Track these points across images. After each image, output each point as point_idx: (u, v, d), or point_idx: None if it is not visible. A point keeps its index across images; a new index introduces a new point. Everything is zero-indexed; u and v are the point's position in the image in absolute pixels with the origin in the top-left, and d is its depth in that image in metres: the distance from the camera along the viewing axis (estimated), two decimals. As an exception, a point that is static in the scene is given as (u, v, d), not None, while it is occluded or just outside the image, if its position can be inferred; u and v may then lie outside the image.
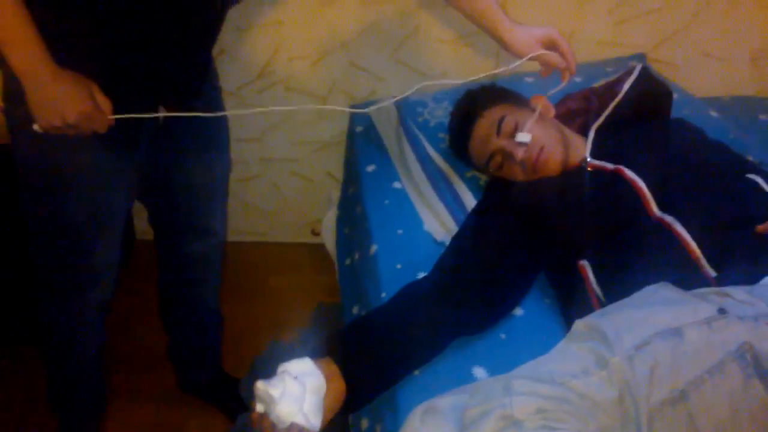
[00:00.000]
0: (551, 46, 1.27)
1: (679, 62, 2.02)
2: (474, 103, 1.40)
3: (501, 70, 1.31)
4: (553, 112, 1.39)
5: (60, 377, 1.56)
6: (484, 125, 1.35)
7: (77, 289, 1.39)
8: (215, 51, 1.36)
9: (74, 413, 1.62)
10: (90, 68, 1.09)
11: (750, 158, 1.40)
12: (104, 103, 1.10)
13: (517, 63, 1.26)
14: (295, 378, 0.94)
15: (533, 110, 1.32)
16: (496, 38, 1.29)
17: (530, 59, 1.26)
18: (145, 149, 1.29)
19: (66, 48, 1.05)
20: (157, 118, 1.23)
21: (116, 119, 1.12)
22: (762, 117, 1.83)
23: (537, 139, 1.27)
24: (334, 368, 0.99)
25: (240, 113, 1.30)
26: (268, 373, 0.96)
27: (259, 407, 0.95)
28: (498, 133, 1.31)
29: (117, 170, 1.27)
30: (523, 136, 1.26)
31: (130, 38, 1.11)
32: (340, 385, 0.99)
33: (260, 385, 0.93)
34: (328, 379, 0.97)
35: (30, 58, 1.02)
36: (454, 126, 1.46)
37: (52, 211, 1.26)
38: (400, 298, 1.14)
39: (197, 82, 1.31)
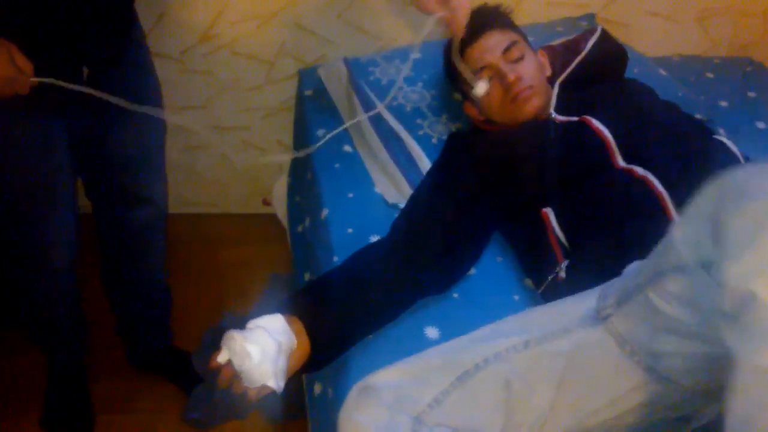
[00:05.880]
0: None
1: (628, 22, 2.02)
2: (499, 15, 1.38)
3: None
4: (549, 70, 1.38)
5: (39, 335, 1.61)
6: (496, 38, 1.32)
7: (36, 259, 1.40)
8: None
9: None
10: (7, 30, 1.05)
11: (697, 116, 1.42)
12: (24, 64, 1.07)
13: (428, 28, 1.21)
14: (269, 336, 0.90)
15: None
16: None
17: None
18: (74, 117, 1.25)
19: None
20: (82, 78, 1.19)
21: (38, 81, 1.09)
22: (709, 75, 1.85)
23: (531, 76, 1.28)
24: (300, 326, 0.98)
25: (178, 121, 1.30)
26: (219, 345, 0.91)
27: (224, 355, 0.89)
28: (503, 52, 1.29)
29: (48, 139, 1.24)
30: (480, 87, 1.27)
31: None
32: (305, 344, 0.97)
33: (237, 336, 0.87)
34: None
35: None
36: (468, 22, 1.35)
37: None
38: (360, 257, 1.12)
39: (120, 41, 1.27)
